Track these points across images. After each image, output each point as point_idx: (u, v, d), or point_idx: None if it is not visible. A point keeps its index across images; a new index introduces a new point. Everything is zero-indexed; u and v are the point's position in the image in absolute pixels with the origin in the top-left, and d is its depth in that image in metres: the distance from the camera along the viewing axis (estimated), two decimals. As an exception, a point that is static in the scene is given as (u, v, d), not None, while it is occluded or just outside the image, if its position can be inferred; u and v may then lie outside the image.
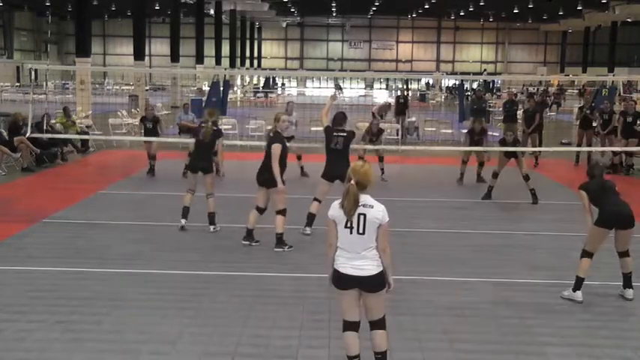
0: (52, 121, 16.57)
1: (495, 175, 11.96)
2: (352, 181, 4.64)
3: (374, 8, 62.30)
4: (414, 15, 69.66)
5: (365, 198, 4.65)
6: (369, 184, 4.69)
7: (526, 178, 11.71)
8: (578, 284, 6.76)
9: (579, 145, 16.81)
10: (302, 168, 14.02)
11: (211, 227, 9.23)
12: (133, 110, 25.81)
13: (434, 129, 21.78)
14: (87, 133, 17.96)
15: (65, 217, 9.92)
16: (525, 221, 10.28)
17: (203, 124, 9.40)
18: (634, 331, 6.10)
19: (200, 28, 44.42)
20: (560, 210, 11.20)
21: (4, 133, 14.53)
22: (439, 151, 17.36)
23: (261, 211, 8.58)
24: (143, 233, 9.12)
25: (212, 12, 50.21)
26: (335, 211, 4.69)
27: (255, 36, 72.44)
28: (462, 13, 63.65)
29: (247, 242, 8.60)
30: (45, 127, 15.07)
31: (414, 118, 22.51)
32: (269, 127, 9.18)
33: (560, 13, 60.45)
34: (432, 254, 8.39)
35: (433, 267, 7.81)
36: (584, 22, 61.64)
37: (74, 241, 8.68)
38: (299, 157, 14.02)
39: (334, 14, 68.42)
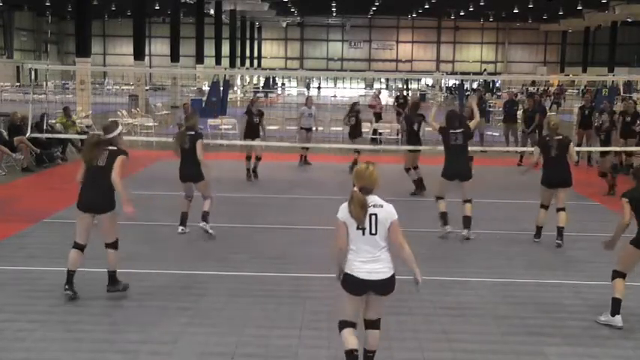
0: (52, 121, 16.57)
1: (408, 170, 12.71)
2: (355, 188, 4.58)
3: (374, 8, 62.27)
4: (414, 15, 69.64)
5: (373, 198, 4.59)
6: (376, 187, 4.63)
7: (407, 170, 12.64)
8: (616, 307, 6.04)
9: (579, 145, 16.81)
10: (305, 157, 15.71)
11: (201, 223, 8.86)
12: (133, 110, 25.81)
13: (434, 129, 21.74)
14: (87, 133, 17.93)
15: (65, 217, 9.89)
16: (525, 221, 10.26)
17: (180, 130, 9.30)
18: (634, 331, 6.09)
19: (200, 28, 44.40)
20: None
21: (4, 133, 14.53)
22: (439, 151, 17.33)
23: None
24: (143, 233, 9.11)
25: (212, 12, 50.20)
26: (344, 213, 4.58)
27: (255, 36, 72.43)
28: (462, 13, 63.61)
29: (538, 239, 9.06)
30: (45, 127, 15.07)
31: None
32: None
33: (560, 13, 60.44)
34: (432, 254, 8.38)
35: (433, 267, 7.79)
36: (584, 22, 61.63)
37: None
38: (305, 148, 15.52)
39: (334, 14, 68.38)
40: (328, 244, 8.64)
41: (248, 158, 13.48)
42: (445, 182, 9.12)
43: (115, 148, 6.40)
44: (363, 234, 4.55)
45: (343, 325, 4.77)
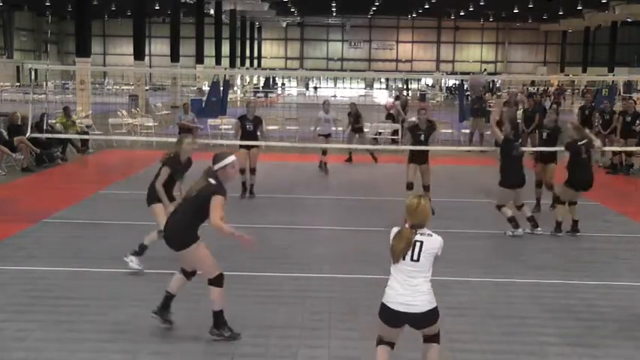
0: (52, 121, 16.56)
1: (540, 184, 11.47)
2: (407, 225, 4.44)
3: (374, 8, 62.31)
4: (414, 15, 69.69)
5: (421, 230, 4.47)
6: (427, 222, 4.49)
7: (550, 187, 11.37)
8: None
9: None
10: (325, 164, 15.06)
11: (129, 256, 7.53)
12: (133, 110, 25.82)
13: (434, 129, 21.75)
14: (87, 133, 17.97)
15: (65, 217, 9.91)
16: (525, 221, 10.26)
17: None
18: (635, 331, 6.09)
19: (200, 28, 44.44)
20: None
21: (4, 133, 14.53)
22: (439, 151, 17.33)
23: None
24: (143, 233, 9.09)
25: (212, 12, 50.24)
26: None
27: (255, 36, 72.47)
28: (462, 13, 63.64)
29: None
30: (45, 127, 15.07)
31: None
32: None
33: (560, 13, 60.48)
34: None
35: (433, 267, 7.79)
36: (584, 22, 61.67)
37: (74, 241, 8.68)
38: (324, 152, 14.96)
39: (334, 14, 68.42)
40: (328, 244, 8.67)
41: (242, 171, 11.52)
42: (508, 191, 9.44)
43: (215, 182, 5.48)
44: (404, 259, 4.43)
45: (380, 341, 4.64)
